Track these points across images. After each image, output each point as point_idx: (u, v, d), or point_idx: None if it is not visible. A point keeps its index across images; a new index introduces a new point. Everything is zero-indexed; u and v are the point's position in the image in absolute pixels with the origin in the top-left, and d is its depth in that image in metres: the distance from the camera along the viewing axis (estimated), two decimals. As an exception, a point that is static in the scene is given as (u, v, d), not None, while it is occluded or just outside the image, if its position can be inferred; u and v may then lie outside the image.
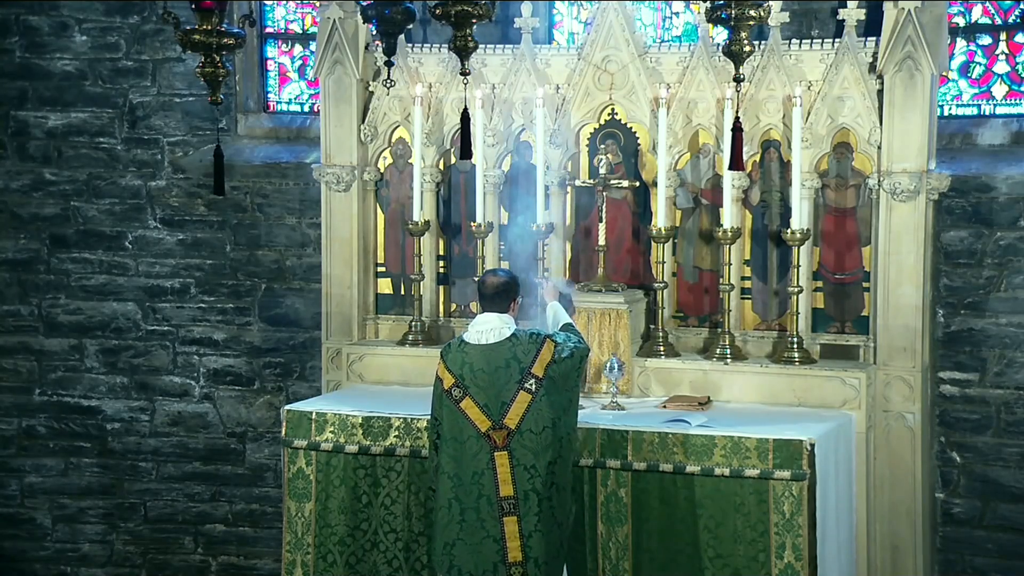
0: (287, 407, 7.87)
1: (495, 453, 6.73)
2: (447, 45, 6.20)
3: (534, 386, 6.73)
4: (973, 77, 8.55)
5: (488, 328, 6.85)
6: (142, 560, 9.89)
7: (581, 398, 7.80)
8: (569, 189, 8.40)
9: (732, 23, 5.80)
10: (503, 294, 6.94)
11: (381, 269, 8.82)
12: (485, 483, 6.73)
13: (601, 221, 8.11)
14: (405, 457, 7.54)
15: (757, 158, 8.11)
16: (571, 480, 6.93)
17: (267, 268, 9.57)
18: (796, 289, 7.87)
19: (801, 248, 7.84)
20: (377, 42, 8.52)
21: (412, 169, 8.51)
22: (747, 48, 5.88)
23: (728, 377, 7.91)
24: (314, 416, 7.68)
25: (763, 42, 7.91)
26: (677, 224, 8.25)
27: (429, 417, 6.99)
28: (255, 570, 9.75)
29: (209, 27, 5.66)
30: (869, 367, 7.84)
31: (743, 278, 8.18)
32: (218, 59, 5.72)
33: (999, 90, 8.50)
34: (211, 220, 9.65)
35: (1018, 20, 8.45)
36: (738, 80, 6.01)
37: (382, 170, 8.76)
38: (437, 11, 5.81)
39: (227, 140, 9.47)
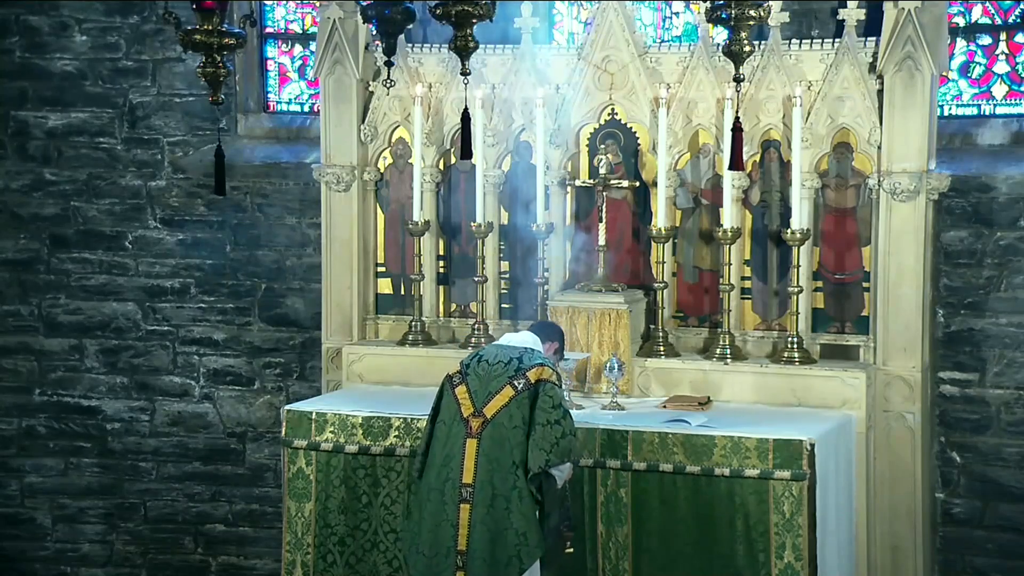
0: (287, 407, 7.88)
1: (467, 439, 6.78)
2: (447, 45, 6.20)
3: (521, 385, 6.77)
4: (973, 77, 8.55)
5: (518, 336, 7.09)
6: (142, 560, 9.89)
7: (581, 398, 7.83)
8: (569, 189, 8.40)
9: (732, 23, 5.79)
10: (548, 329, 7.33)
11: (381, 269, 8.82)
12: (453, 467, 6.79)
13: (601, 221, 8.11)
14: (405, 457, 7.53)
15: (757, 158, 8.11)
16: (552, 497, 6.83)
17: (267, 268, 9.57)
18: (796, 289, 7.86)
19: (801, 248, 7.84)
20: (377, 42, 8.51)
21: (412, 169, 8.51)
22: (747, 48, 5.87)
23: (728, 377, 7.91)
24: (314, 416, 7.68)
25: (763, 42, 7.91)
26: (677, 224, 8.25)
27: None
28: (255, 570, 9.75)
29: (209, 27, 5.65)
30: (869, 367, 7.84)
31: (743, 278, 8.18)
32: (219, 59, 5.71)
33: (999, 90, 8.50)
34: (211, 220, 9.65)
35: (1018, 20, 8.45)
36: (738, 80, 6.00)
37: (382, 170, 8.76)
38: (437, 11, 5.81)
39: (227, 140, 9.46)
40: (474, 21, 5.81)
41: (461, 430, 6.80)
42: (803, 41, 8.01)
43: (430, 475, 6.85)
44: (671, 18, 9.00)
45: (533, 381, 6.76)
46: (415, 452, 7.24)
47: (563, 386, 7.06)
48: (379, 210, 8.79)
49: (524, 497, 6.72)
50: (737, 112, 6.35)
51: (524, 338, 7.06)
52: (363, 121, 8.66)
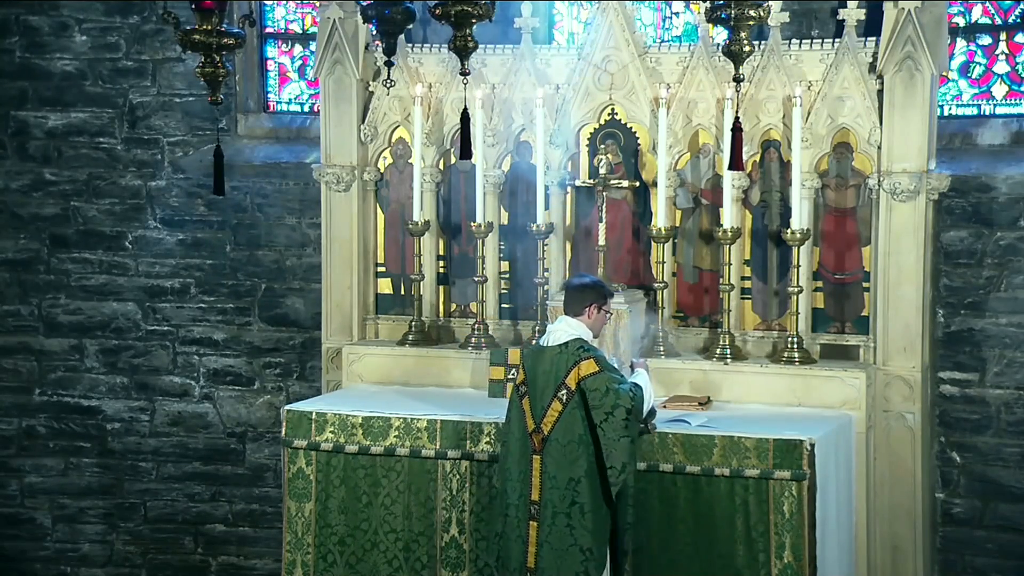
0: (287, 407, 7.88)
1: (532, 456, 6.81)
2: (447, 45, 6.20)
3: (565, 397, 6.75)
4: (973, 77, 8.55)
5: (556, 330, 6.92)
6: (142, 560, 9.89)
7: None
8: (569, 189, 8.40)
9: (732, 23, 5.80)
10: (578, 296, 6.98)
11: (381, 269, 8.82)
12: (523, 484, 6.82)
13: (601, 221, 8.11)
14: (405, 457, 7.54)
15: (757, 158, 8.11)
16: (608, 507, 6.82)
17: (267, 268, 9.57)
18: (796, 289, 7.86)
19: (801, 248, 7.83)
20: (377, 42, 8.52)
21: (412, 169, 8.51)
22: (747, 48, 5.88)
23: (728, 377, 7.91)
24: (314, 416, 7.68)
25: (763, 42, 7.91)
26: (677, 224, 8.25)
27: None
28: (255, 570, 9.75)
29: (209, 27, 5.66)
30: (869, 367, 7.84)
31: (743, 278, 8.18)
32: (218, 59, 5.72)
33: (999, 90, 8.50)
34: (211, 220, 9.65)
35: (1018, 20, 8.45)
36: (738, 80, 6.01)
37: (382, 170, 8.76)
38: (437, 11, 5.81)
39: (227, 140, 9.47)
40: (474, 21, 5.82)
41: (528, 446, 6.82)
42: (803, 41, 8.01)
43: (509, 489, 6.87)
44: (671, 18, 9.00)
45: (573, 388, 6.74)
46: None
47: (598, 350, 6.92)
48: (379, 210, 8.79)
49: (587, 512, 6.71)
50: (737, 112, 6.35)
51: (559, 327, 6.90)
52: (363, 121, 8.66)
